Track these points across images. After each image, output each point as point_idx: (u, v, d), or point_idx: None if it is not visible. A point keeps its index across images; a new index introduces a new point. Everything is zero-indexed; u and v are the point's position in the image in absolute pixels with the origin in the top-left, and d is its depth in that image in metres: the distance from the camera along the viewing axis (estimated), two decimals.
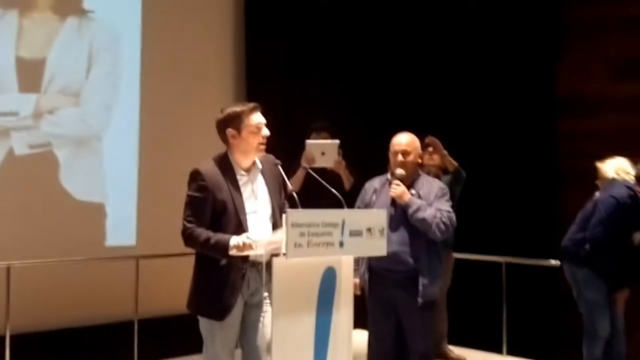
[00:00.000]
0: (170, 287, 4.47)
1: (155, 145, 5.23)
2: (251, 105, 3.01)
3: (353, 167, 4.25)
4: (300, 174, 4.05)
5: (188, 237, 2.90)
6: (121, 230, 5.13)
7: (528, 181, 5.49)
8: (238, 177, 2.98)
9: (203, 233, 2.86)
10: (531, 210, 5.60)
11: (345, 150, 4.18)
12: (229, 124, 2.98)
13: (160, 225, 4.87)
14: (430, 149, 4.58)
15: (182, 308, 3.02)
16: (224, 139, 2.99)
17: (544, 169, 5.52)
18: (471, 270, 5.06)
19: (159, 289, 4.91)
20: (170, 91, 5.28)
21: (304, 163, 3.99)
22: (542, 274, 4.95)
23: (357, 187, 3.84)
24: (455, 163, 4.53)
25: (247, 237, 2.83)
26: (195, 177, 2.94)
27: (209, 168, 2.95)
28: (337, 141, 4.10)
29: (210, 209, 2.89)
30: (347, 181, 4.15)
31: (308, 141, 4.10)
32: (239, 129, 2.97)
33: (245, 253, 2.81)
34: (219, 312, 2.91)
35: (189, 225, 2.89)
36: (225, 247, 2.82)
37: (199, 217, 2.89)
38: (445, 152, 4.52)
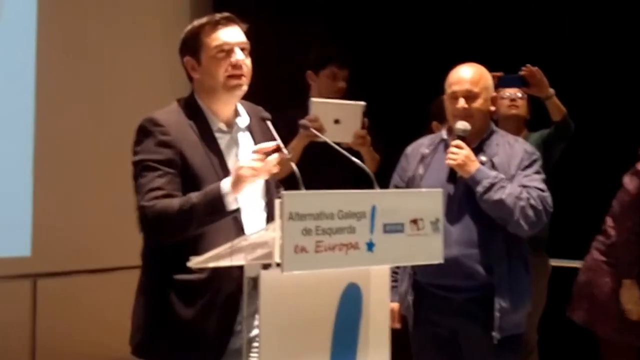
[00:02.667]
0: (87, 319, 4.60)
1: (57, 127, 5.36)
2: (217, 16, 2.91)
3: (378, 139, 4.17)
4: (297, 143, 3.92)
5: (152, 215, 2.70)
6: (10, 237, 5.22)
7: None
8: (216, 133, 2.90)
9: (171, 202, 2.71)
10: None
11: (373, 116, 4.05)
12: (186, 49, 2.93)
13: (66, 233, 5.11)
14: (516, 89, 4.39)
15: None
16: (186, 73, 2.96)
17: None
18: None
19: (67, 321, 4.98)
20: (78, 37, 5.49)
21: (306, 123, 3.76)
22: None
23: (388, 165, 3.71)
24: (563, 108, 4.32)
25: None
26: (150, 129, 2.80)
27: (171, 117, 2.86)
28: (362, 103, 3.96)
29: (180, 179, 2.77)
30: (372, 162, 4.05)
31: (314, 100, 3.95)
32: (197, 56, 2.90)
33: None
34: (206, 355, 2.80)
35: (150, 203, 2.70)
36: (218, 195, 2.68)
37: (165, 190, 2.73)
38: (551, 90, 4.28)
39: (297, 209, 2.40)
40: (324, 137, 3.20)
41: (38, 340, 4.73)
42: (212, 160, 2.84)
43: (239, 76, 2.86)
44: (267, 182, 2.92)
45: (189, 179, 2.78)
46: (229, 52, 2.86)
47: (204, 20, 2.90)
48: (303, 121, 3.75)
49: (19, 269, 4.99)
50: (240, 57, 2.86)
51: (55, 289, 4.92)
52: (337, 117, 3.89)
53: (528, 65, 4.23)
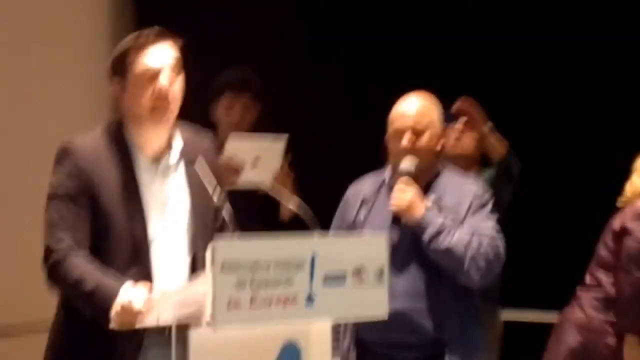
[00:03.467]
0: None
1: None
2: (144, 33, 2.87)
3: (305, 169, 4.13)
4: None
5: (53, 269, 2.74)
6: None
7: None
8: (136, 168, 2.86)
9: (78, 267, 2.71)
10: None
11: (294, 145, 4.03)
12: (114, 72, 2.89)
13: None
14: (459, 123, 4.29)
15: None
16: (114, 98, 2.95)
17: None
18: (533, 337, 4.82)
19: None
20: None
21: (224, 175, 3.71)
22: None
23: (322, 204, 3.46)
24: (504, 147, 4.23)
25: (137, 295, 2.64)
26: (64, 158, 2.81)
27: (88, 146, 2.84)
28: (284, 137, 3.93)
29: (88, 217, 2.78)
30: (290, 204, 3.68)
31: (232, 138, 3.90)
32: (123, 80, 2.87)
33: (127, 326, 2.64)
34: None
35: (55, 246, 2.74)
36: (108, 307, 2.65)
37: (74, 230, 2.76)
38: (487, 127, 4.21)
39: (230, 259, 2.37)
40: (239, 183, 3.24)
41: None
42: (126, 199, 2.80)
43: (165, 106, 2.82)
44: (193, 214, 2.87)
45: (98, 216, 2.78)
46: (153, 77, 2.81)
47: (131, 39, 2.86)
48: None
49: None
50: (165, 83, 2.80)
51: None
52: (257, 155, 3.85)
53: (462, 98, 4.19)
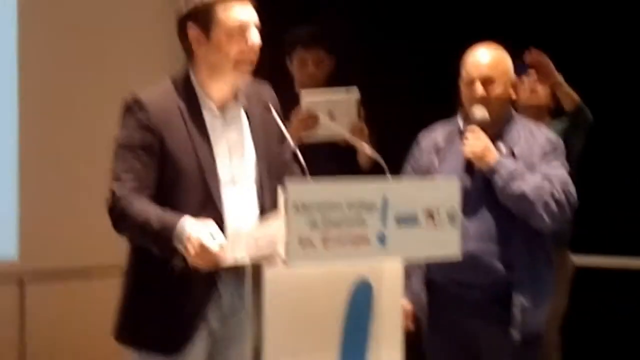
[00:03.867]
0: (79, 324, 4.49)
1: (44, 114, 5.27)
2: None
3: (376, 130, 4.07)
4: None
5: (120, 213, 2.77)
6: None
7: None
8: (206, 116, 2.87)
9: (144, 209, 2.74)
10: None
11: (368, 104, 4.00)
12: (194, 20, 2.84)
13: (57, 233, 5.06)
14: (532, 75, 4.31)
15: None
16: (186, 46, 2.89)
17: None
18: (604, 283, 4.95)
19: (59, 329, 4.94)
20: (66, 24, 5.32)
21: (296, 130, 3.75)
22: None
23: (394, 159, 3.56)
24: (576, 97, 4.23)
25: (211, 233, 2.66)
26: (133, 110, 2.82)
27: (156, 97, 2.85)
28: (356, 93, 3.92)
29: (157, 167, 2.80)
30: (368, 156, 3.85)
31: (303, 95, 3.90)
32: (207, 28, 2.82)
33: (202, 265, 2.66)
34: (169, 344, 2.82)
35: (120, 192, 2.77)
36: (176, 241, 2.68)
37: (139, 177, 2.78)
38: (560, 78, 4.19)
39: (302, 200, 2.40)
40: (316, 136, 3.23)
41: (28, 348, 4.71)
42: (197, 146, 2.82)
43: (251, 60, 2.84)
44: (258, 162, 2.89)
45: (168, 166, 2.80)
46: (244, 31, 2.82)
47: None
48: (296, 133, 3.70)
49: (4, 273, 4.96)
50: (257, 39, 2.83)
51: (44, 293, 4.93)
52: (330, 111, 3.86)
53: (532, 50, 4.17)
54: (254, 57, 2.83)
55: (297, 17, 4.93)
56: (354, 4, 5.43)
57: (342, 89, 3.96)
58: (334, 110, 3.86)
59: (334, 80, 4.24)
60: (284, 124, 2.92)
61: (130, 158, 2.78)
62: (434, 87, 4.33)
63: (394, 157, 3.51)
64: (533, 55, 4.16)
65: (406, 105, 5.05)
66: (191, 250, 2.63)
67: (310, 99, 3.88)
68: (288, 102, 3.60)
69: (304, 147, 3.49)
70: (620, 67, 5.22)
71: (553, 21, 5.26)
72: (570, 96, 4.21)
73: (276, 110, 2.92)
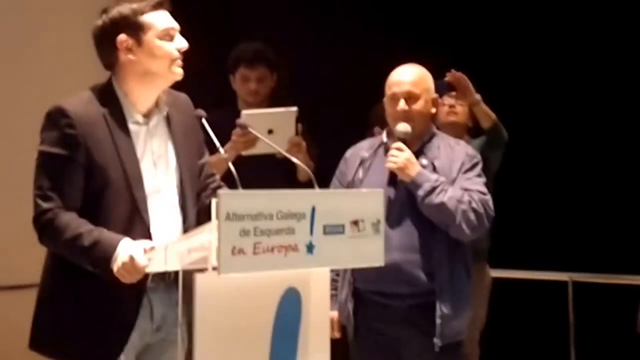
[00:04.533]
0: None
1: None
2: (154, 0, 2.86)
3: (312, 145, 4.13)
4: (219, 160, 3.59)
5: (45, 228, 2.73)
6: None
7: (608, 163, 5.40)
8: (130, 126, 2.83)
9: (72, 224, 2.70)
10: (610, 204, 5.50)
11: (306, 114, 4.02)
12: (122, 27, 2.81)
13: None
14: (452, 93, 4.36)
15: None
16: (109, 56, 2.85)
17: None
18: (518, 293, 5.09)
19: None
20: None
21: (235, 147, 3.81)
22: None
23: (326, 171, 3.67)
24: (492, 115, 4.32)
25: (142, 249, 2.65)
26: (56, 119, 2.75)
27: (80, 107, 2.78)
28: (295, 109, 3.93)
29: (83, 177, 2.74)
30: (306, 167, 3.84)
31: (244, 112, 3.91)
32: (138, 35, 2.81)
33: (133, 279, 2.64)
34: (99, 354, 2.75)
35: (46, 205, 2.72)
36: (108, 259, 2.65)
37: (63, 191, 2.72)
38: (478, 97, 4.29)
39: (234, 209, 2.39)
40: (255, 150, 3.23)
41: None
42: (122, 157, 2.78)
43: (181, 64, 2.83)
44: (180, 170, 2.89)
45: (94, 176, 2.74)
46: (173, 35, 2.83)
47: (141, 2, 2.83)
48: (233, 148, 3.75)
49: None
50: (185, 43, 2.83)
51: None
52: (270, 127, 3.86)
53: (453, 70, 4.25)
54: (182, 59, 2.83)
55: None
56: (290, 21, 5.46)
57: (282, 108, 3.96)
58: (272, 126, 3.86)
59: (276, 97, 4.26)
60: (220, 140, 2.89)
61: (55, 169, 2.73)
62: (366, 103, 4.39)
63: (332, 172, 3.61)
64: (454, 75, 4.23)
65: (341, 121, 5.09)
66: (121, 266, 2.60)
67: (249, 116, 3.85)
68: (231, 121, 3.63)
69: (245, 160, 3.56)
70: (536, 84, 5.35)
71: (473, 40, 5.37)
72: (487, 115, 4.29)
73: (192, 118, 2.90)
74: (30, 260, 3.02)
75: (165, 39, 2.81)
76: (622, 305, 4.83)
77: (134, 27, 2.79)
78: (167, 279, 2.78)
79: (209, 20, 4.94)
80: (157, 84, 2.84)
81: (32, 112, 3.06)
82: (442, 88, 4.15)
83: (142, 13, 2.80)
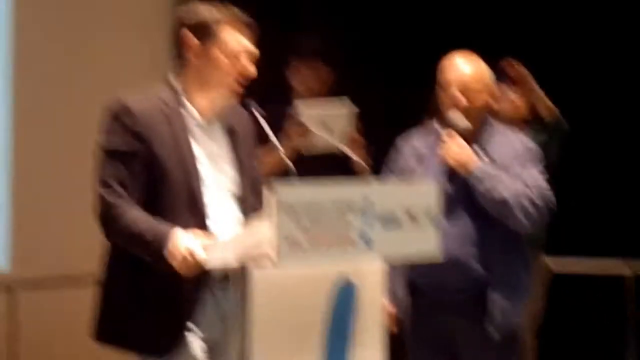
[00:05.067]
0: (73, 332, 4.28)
1: (36, 122, 5.20)
2: (243, 17, 2.87)
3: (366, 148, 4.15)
4: (276, 158, 3.56)
5: (111, 221, 2.76)
6: None
7: None
8: (191, 125, 2.86)
9: (135, 217, 2.73)
10: None
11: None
12: (195, 29, 2.85)
13: (49, 242, 4.98)
14: (510, 86, 4.35)
15: None
16: (180, 51, 2.88)
17: None
18: (578, 285, 5.00)
19: (51, 337, 4.89)
20: (58, 33, 5.25)
21: (291, 140, 3.83)
22: None
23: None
24: (554, 108, 4.31)
25: (197, 240, 2.67)
26: (119, 115, 2.80)
27: (142, 103, 2.82)
28: (352, 107, 3.97)
29: (144, 172, 2.79)
30: (362, 167, 3.93)
31: (301, 105, 3.95)
32: (206, 42, 2.84)
33: (193, 272, 2.67)
34: (158, 343, 2.78)
35: (109, 198, 2.76)
36: (162, 251, 2.69)
37: (126, 183, 2.77)
38: (538, 89, 4.28)
39: (289, 201, 2.41)
40: (312, 145, 3.23)
41: (20, 357, 4.64)
42: (183, 155, 2.82)
43: (242, 86, 2.85)
44: (240, 173, 2.91)
45: (155, 173, 2.78)
46: (245, 57, 2.84)
47: (222, 11, 2.86)
48: (291, 143, 3.76)
49: None
50: (253, 69, 2.85)
51: (37, 302, 4.87)
52: (325, 123, 3.87)
53: (512, 61, 4.21)
54: (245, 84, 2.84)
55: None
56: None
57: (336, 100, 3.98)
58: (329, 122, 3.88)
59: (329, 92, 4.26)
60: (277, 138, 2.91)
61: (117, 164, 2.76)
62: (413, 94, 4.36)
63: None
64: (513, 67, 4.20)
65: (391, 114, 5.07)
66: (181, 259, 2.63)
67: (307, 111, 3.88)
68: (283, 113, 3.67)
69: (303, 157, 3.53)
70: (594, 78, 5.26)
71: (526, 33, 5.28)
72: (548, 107, 4.26)
73: (251, 133, 2.93)
74: (86, 251, 3.08)
75: (232, 58, 2.81)
76: None
77: (204, 34, 2.81)
78: (229, 276, 2.79)
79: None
80: (212, 94, 2.86)
81: (88, 108, 3.14)
82: (499, 79, 4.08)
83: (221, 25, 2.82)
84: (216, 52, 2.82)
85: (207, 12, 2.85)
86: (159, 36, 3.16)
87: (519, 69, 4.22)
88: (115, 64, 5.24)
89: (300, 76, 4.25)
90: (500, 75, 4.12)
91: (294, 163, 3.13)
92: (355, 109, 3.92)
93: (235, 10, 2.87)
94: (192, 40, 2.82)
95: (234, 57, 2.82)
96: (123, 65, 5.21)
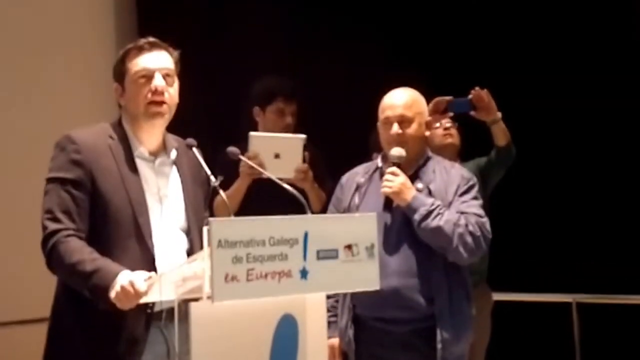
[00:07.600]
0: None
1: None
2: (141, 41, 2.97)
3: (326, 177, 4.17)
4: (239, 186, 3.91)
5: (53, 250, 2.76)
6: None
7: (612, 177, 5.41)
8: (137, 160, 2.91)
9: (77, 250, 2.74)
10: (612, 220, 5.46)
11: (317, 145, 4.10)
12: (115, 75, 2.98)
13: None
14: (445, 120, 4.37)
15: None
16: (117, 99, 3.03)
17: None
18: (520, 315, 5.07)
19: None
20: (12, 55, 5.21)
21: (245, 169, 3.85)
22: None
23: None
24: (508, 134, 4.28)
25: (138, 276, 2.67)
26: (64, 145, 2.85)
27: (87, 135, 2.89)
28: (303, 136, 3.94)
29: (88, 203, 2.81)
30: (317, 200, 4.06)
31: (252, 134, 3.94)
32: (121, 81, 2.96)
33: (129, 305, 2.66)
34: None
35: (54, 226, 2.77)
36: (106, 288, 2.68)
37: (71, 214, 2.79)
38: (498, 114, 4.22)
39: (226, 236, 2.39)
40: (265, 173, 3.23)
41: None
42: (128, 186, 2.84)
43: (159, 103, 2.87)
44: (187, 210, 2.93)
45: (99, 204, 2.80)
46: (150, 78, 2.88)
47: (129, 45, 2.95)
48: (246, 171, 3.78)
49: None
50: (160, 83, 2.88)
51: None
52: (277, 152, 3.88)
53: (477, 88, 4.22)
54: (161, 101, 2.87)
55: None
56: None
57: (290, 134, 3.98)
58: (281, 151, 3.88)
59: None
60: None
61: (61, 192, 2.79)
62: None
63: None
64: (478, 93, 4.20)
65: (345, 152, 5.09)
66: (120, 289, 2.61)
67: (259, 140, 3.87)
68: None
69: (257, 190, 3.56)
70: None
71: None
72: (504, 133, 4.26)
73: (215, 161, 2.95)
74: (41, 294, 3.06)
75: (139, 82, 2.89)
76: (628, 325, 4.85)
77: (120, 74, 2.93)
78: (172, 311, 2.74)
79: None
80: (146, 126, 2.91)
81: (42, 146, 3.15)
82: (466, 106, 4.17)
83: (125, 59, 2.92)
84: (128, 85, 2.91)
85: (119, 55, 2.95)
86: (103, 78, 3.20)
87: (485, 95, 4.20)
88: (59, 107, 5.19)
89: (280, 116, 4.24)
90: (467, 102, 4.18)
91: (248, 193, 3.18)
92: (304, 139, 3.91)
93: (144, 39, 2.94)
94: (116, 85, 2.94)
95: (138, 79, 2.89)
96: (67, 108, 5.17)
